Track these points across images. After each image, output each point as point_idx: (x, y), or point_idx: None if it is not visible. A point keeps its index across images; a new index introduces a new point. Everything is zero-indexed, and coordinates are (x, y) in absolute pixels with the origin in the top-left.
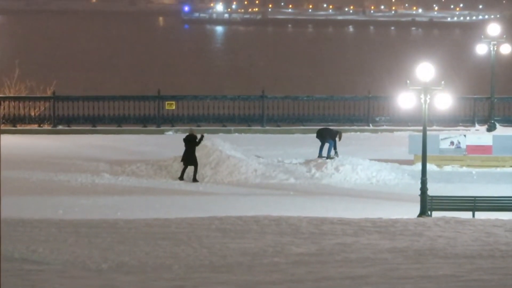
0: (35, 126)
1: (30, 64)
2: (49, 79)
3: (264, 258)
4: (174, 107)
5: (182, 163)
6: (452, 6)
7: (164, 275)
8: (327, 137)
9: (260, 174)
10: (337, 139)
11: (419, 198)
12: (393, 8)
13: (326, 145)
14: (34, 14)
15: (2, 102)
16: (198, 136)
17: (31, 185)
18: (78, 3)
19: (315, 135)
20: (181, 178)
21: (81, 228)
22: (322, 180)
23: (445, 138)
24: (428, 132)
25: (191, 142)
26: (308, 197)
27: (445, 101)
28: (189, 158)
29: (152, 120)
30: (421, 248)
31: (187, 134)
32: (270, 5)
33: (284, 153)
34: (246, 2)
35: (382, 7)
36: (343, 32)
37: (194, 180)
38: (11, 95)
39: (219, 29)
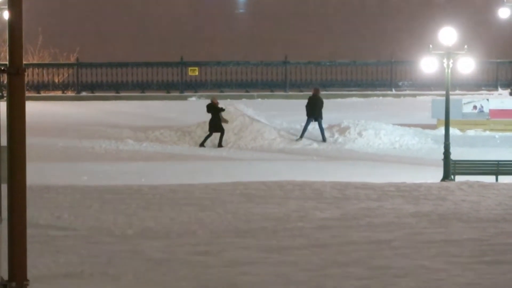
0: (59, 93)
1: (54, 31)
2: (72, 46)
3: (288, 223)
4: (197, 73)
5: (208, 130)
6: None
7: (189, 240)
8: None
9: (284, 139)
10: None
11: (442, 163)
12: None
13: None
14: None
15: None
16: (218, 105)
17: (55, 152)
18: None
19: (337, 100)
20: (202, 145)
21: (105, 194)
22: (345, 145)
23: (468, 102)
24: (451, 97)
25: (214, 109)
26: (331, 162)
27: (468, 65)
28: (215, 126)
29: (175, 86)
30: (444, 212)
31: (209, 102)
32: None
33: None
34: None
35: None
36: None
37: (220, 145)
38: (35, 62)
39: None
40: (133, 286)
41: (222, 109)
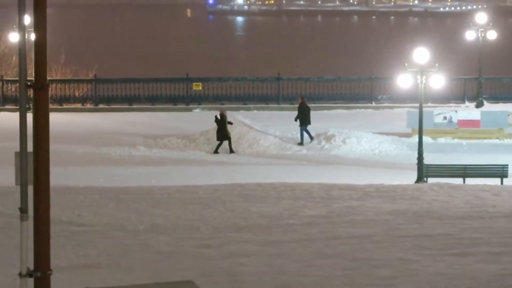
0: (78, 105)
1: (74, 51)
2: (91, 64)
3: (281, 220)
4: (200, 88)
5: (217, 139)
6: None
7: (194, 235)
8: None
9: (277, 146)
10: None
11: (416, 167)
12: None
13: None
14: (78, 7)
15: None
16: (227, 117)
17: (75, 157)
18: None
19: (324, 112)
20: (216, 151)
21: (120, 195)
22: (331, 151)
23: (439, 114)
24: (424, 109)
25: (223, 121)
26: (318, 166)
27: (438, 81)
28: (222, 135)
29: (181, 99)
30: (418, 210)
31: (220, 113)
32: None
33: (298, 128)
34: None
35: None
36: (348, 22)
37: (231, 151)
38: (58, 78)
39: (240, 19)
40: (143, 276)
41: (230, 123)
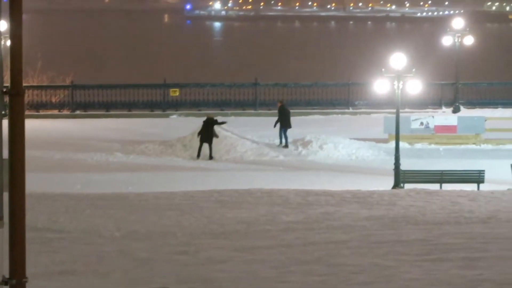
0: (55, 111)
1: (51, 57)
2: (67, 70)
3: (258, 226)
4: (178, 94)
5: (199, 140)
6: (421, 3)
7: (170, 241)
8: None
9: (254, 152)
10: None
11: (393, 172)
12: (370, 5)
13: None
14: (55, 13)
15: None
16: (217, 119)
17: (52, 163)
18: (93, 2)
19: (301, 117)
20: (198, 156)
21: (96, 201)
22: (308, 157)
23: (416, 119)
24: (400, 114)
25: (209, 124)
26: (295, 172)
27: (415, 86)
28: (205, 136)
29: (158, 105)
30: (395, 216)
31: (207, 117)
32: (262, 3)
33: (275, 133)
34: (240, 1)
35: (360, 4)
36: (326, 27)
37: (210, 157)
38: (35, 84)
39: (217, 24)
40: (120, 282)
41: (223, 122)
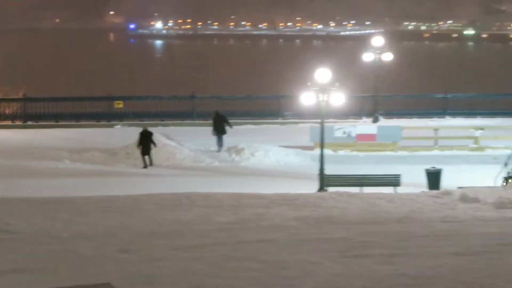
0: (8, 122)
1: (6, 71)
2: (20, 84)
3: (194, 226)
4: (122, 106)
5: (140, 153)
6: (345, 23)
7: (114, 241)
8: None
9: (191, 159)
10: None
11: (318, 177)
12: (298, 24)
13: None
14: (11, 31)
15: None
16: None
17: (5, 170)
18: (44, 22)
19: (235, 127)
20: (145, 166)
21: (46, 204)
22: (240, 163)
23: (339, 128)
24: (325, 124)
25: (146, 136)
26: (229, 177)
27: (339, 99)
28: (144, 149)
29: (104, 116)
30: (319, 216)
31: (143, 129)
32: (200, 23)
33: (211, 142)
34: (180, 21)
35: (289, 24)
36: (258, 44)
37: (151, 164)
38: None
39: (159, 42)
40: (67, 278)
41: (153, 143)
